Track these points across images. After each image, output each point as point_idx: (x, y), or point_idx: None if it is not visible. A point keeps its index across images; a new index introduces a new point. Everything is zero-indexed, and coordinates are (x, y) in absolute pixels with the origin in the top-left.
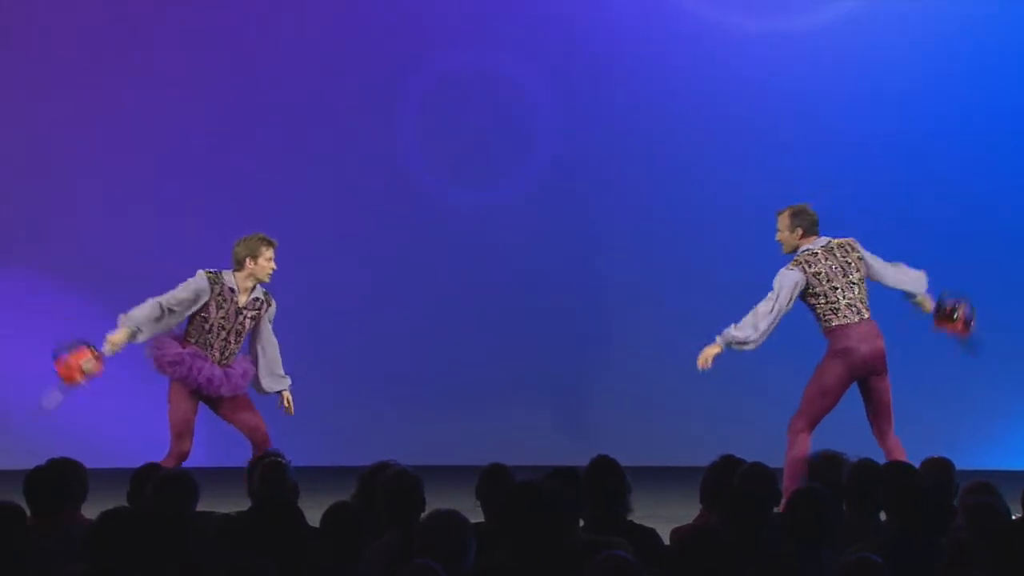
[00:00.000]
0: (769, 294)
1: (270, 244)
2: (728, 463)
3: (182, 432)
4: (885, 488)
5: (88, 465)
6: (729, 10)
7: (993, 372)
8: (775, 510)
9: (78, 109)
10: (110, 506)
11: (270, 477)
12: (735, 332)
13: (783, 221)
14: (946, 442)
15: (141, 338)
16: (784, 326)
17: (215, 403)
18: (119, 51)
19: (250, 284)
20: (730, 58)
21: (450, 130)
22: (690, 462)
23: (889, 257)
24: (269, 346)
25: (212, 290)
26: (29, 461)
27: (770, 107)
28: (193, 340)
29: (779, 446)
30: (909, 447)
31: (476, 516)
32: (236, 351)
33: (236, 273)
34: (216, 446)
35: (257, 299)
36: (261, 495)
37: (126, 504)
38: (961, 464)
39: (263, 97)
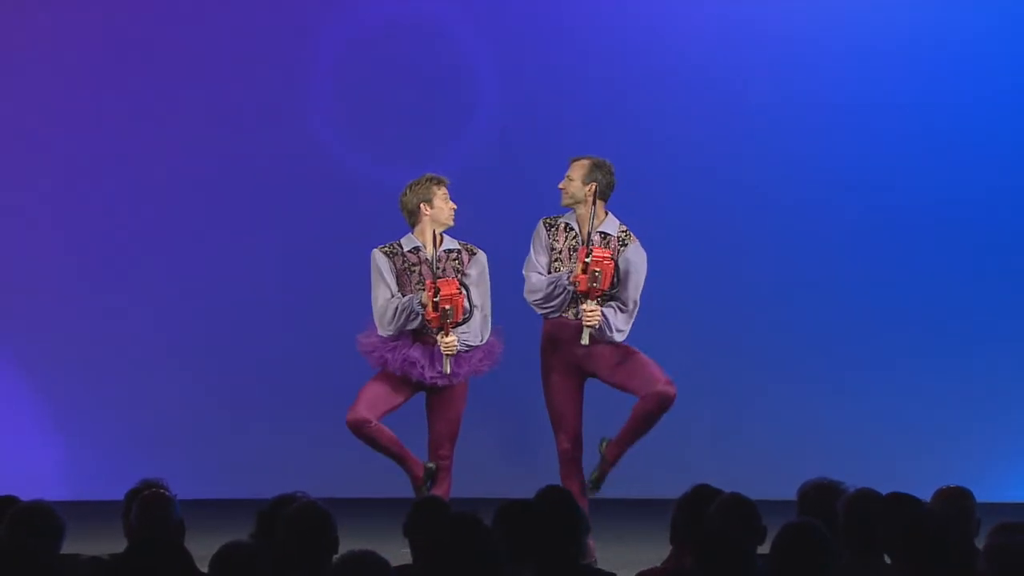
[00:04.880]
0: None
1: (440, 182)
2: (702, 494)
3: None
4: (888, 524)
5: None
6: None
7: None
8: (758, 550)
9: None
10: None
11: (150, 513)
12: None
13: (583, 171)
14: (965, 472)
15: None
16: (782, 344)
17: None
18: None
19: (432, 233)
20: (713, 7)
21: (370, 95)
22: (660, 494)
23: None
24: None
25: (394, 262)
26: None
27: (756, 62)
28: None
29: (764, 475)
30: (924, 477)
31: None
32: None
33: (415, 229)
34: (81, 476)
35: (452, 250)
36: (140, 534)
37: None
38: (982, 496)
39: (141, 54)
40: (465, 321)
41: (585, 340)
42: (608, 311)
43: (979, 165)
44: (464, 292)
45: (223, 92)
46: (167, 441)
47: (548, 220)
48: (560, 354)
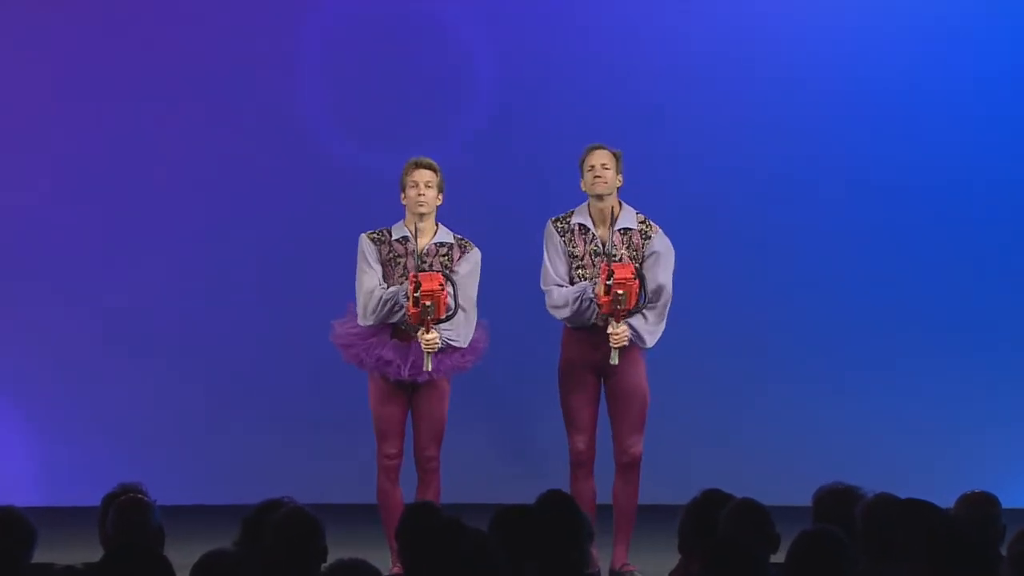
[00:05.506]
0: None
1: (415, 164)
2: (712, 500)
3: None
4: (908, 531)
5: None
6: None
7: None
8: (771, 558)
9: None
10: None
11: (128, 519)
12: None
13: (615, 161)
14: (989, 476)
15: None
16: (793, 343)
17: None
18: None
19: (414, 224)
20: None
21: (361, 83)
22: (666, 500)
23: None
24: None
25: (380, 250)
26: None
27: (762, 56)
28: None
29: (776, 480)
30: (945, 482)
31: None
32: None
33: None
34: (55, 480)
35: (444, 244)
36: (117, 541)
37: None
38: (1009, 502)
39: (128, 44)
40: (448, 318)
41: (614, 360)
42: (635, 321)
43: (988, 161)
44: (448, 288)
45: (213, 85)
46: (146, 443)
47: (558, 222)
48: (582, 352)
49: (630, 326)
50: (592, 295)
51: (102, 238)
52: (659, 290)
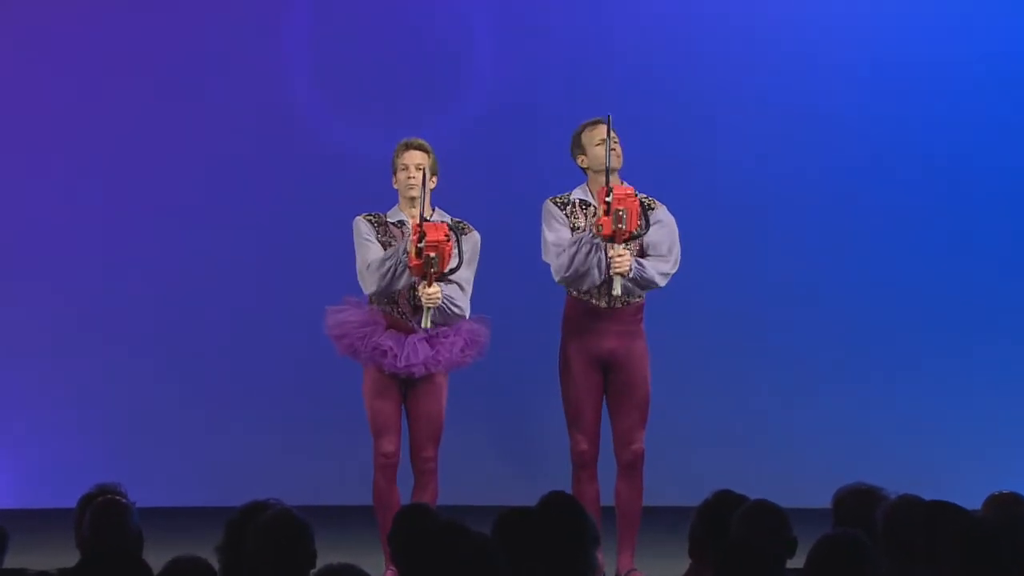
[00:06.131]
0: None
1: (404, 146)
2: (725, 502)
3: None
4: (933, 534)
5: None
6: None
7: None
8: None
9: None
10: None
11: (105, 521)
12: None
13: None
14: (1016, 476)
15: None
16: (808, 340)
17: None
18: None
19: (411, 207)
20: None
21: (354, 62)
22: (675, 501)
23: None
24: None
25: (377, 232)
26: None
27: (774, 52)
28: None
29: (791, 480)
30: (971, 483)
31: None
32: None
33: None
34: (28, 481)
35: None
36: (94, 545)
37: None
38: None
39: (121, 38)
40: (453, 271)
41: (617, 290)
42: (645, 260)
43: (989, 161)
44: (453, 239)
45: (206, 78)
46: (125, 442)
47: (556, 199)
48: (584, 344)
49: (640, 264)
50: (591, 235)
51: (80, 230)
52: (669, 249)
